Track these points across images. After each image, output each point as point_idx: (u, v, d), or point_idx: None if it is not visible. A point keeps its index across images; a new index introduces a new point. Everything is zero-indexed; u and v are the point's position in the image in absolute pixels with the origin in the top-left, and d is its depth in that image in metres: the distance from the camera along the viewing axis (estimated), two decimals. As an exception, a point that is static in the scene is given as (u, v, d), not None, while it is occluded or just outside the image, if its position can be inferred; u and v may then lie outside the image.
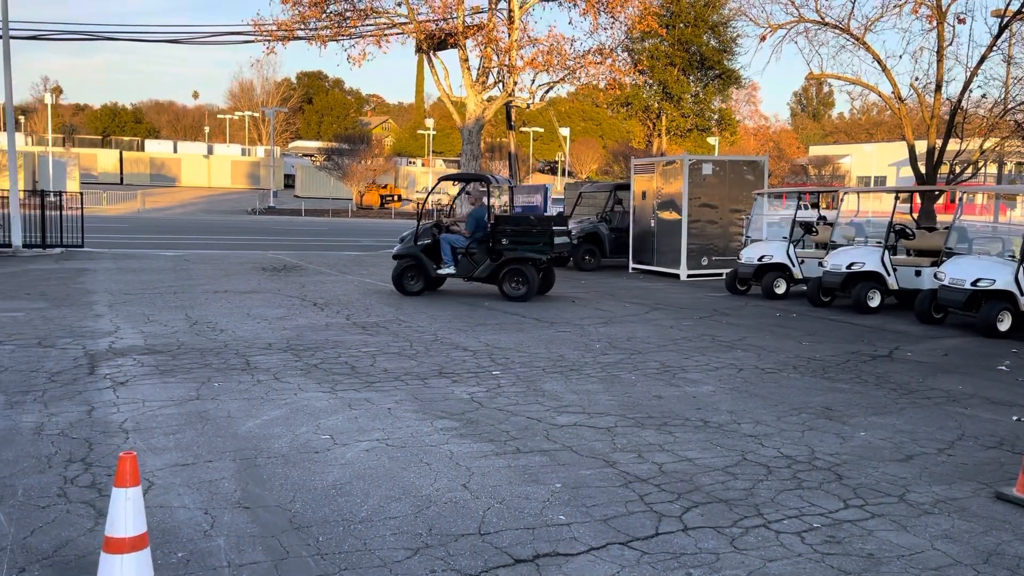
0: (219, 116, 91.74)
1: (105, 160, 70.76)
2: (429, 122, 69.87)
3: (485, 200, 13.45)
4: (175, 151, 78.23)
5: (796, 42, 69.17)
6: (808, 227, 15.02)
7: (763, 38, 19.86)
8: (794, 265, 14.25)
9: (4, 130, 30.30)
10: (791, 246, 14.35)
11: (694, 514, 4.48)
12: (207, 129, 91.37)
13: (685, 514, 4.47)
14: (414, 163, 78.88)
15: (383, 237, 29.83)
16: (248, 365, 7.83)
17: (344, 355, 8.44)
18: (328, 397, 6.74)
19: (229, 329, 9.75)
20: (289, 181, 70.44)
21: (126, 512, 2.82)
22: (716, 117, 41.05)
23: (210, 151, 79.08)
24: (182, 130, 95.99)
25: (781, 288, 14.37)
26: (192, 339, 9.06)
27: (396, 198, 57.46)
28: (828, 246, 13.91)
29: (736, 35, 37.64)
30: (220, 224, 35.39)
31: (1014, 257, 10.90)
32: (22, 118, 75.62)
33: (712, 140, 47.81)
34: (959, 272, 11.07)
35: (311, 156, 75.84)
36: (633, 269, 18.99)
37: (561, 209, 22.93)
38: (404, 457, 5.27)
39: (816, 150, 73.16)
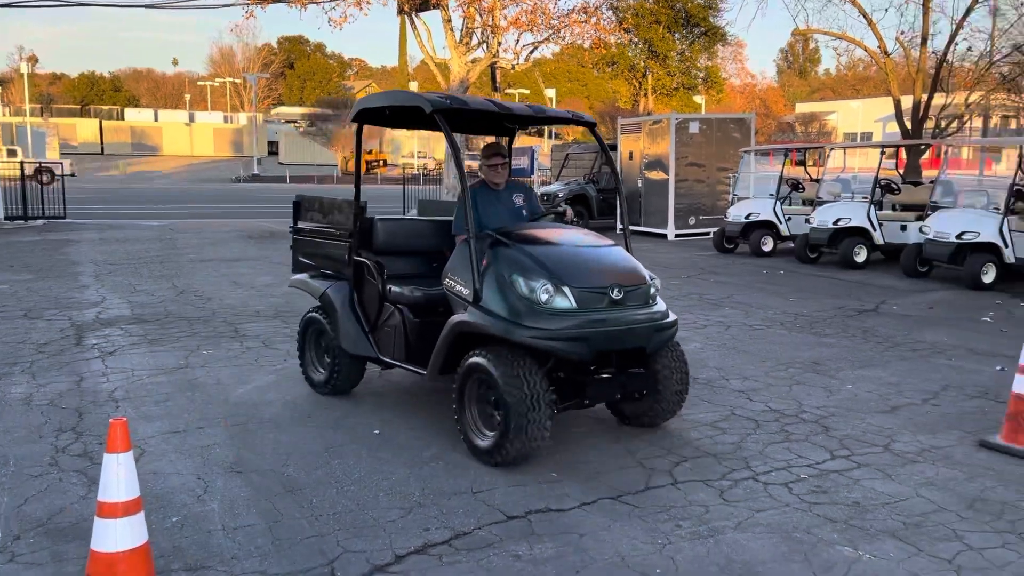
0: (199, 83, 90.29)
1: (84, 129, 69.72)
2: (413, 85, 68.93)
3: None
4: (156, 119, 77.17)
5: (782, -3, 68.36)
6: (795, 184, 15.02)
7: (748, -7, 19.61)
8: (781, 222, 14.28)
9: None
10: (778, 203, 14.36)
11: (684, 468, 4.53)
12: (188, 97, 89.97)
13: (675, 468, 4.53)
14: (399, 127, 78.06)
15: (370, 203, 29.64)
16: (237, 333, 7.81)
17: (333, 320, 8.42)
18: (318, 362, 6.73)
19: (216, 297, 9.71)
20: (273, 148, 69.65)
21: (118, 477, 2.83)
22: (702, 75, 40.76)
23: (191, 119, 78.03)
24: (162, 98, 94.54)
25: (769, 246, 14.40)
26: (179, 308, 9.02)
27: (382, 163, 57.03)
28: (815, 203, 13.93)
29: (721, -9, 37.24)
30: (204, 192, 35.08)
31: (998, 210, 10.96)
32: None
33: (698, 99, 47.49)
34: (944, 226, 11.13)
35: (294, 122, 74.90)
36: (621, 230, 18.97)
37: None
38: (397, 419, 5.29)
39: (803, 107, 72.87)
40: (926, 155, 23.73)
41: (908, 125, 21.35)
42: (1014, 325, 8.56)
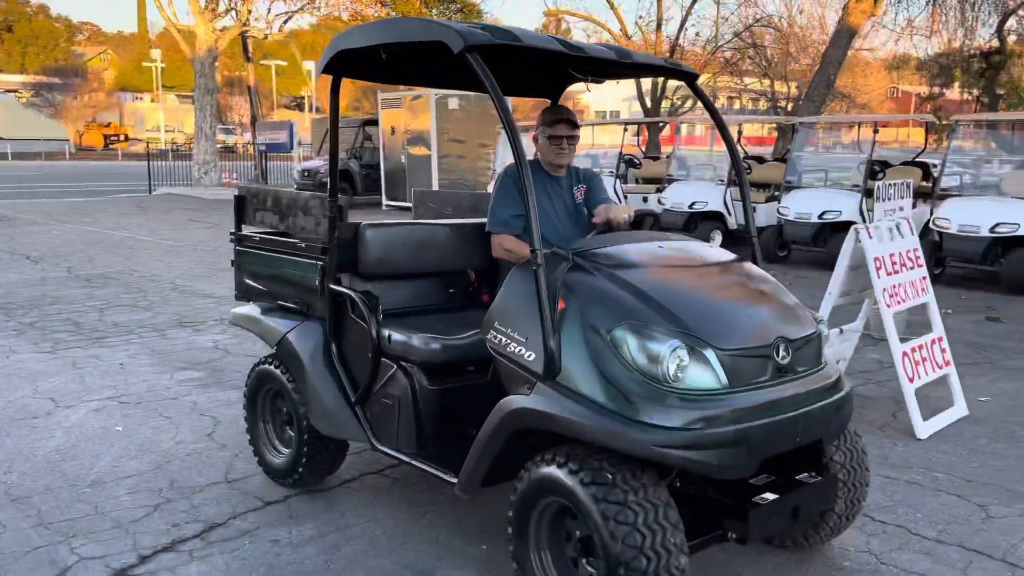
0: None
1: None
2: (155, 53, 63.63)
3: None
4: None
5: (534, -21, 70.81)
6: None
7: (501, -28, 20.18)
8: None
9: None
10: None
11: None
12: None
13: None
14: (141, 99, 72.00)
15: (110, 181, 27.13)
16: (-55, 330, 6.85)
17: (65, 311, 7.64)
18: (48, 358, 6.08)
19: (-82, 291, 8.44)
20: (-11, 121, 61.38)
21: None
22: (461, 52, 41.36)
23: None
24: None
25: (527, 218, 14.99)
26: None
27: (123, 138, 52.36)
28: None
29: (476, -32, 37.83)
30: (-99, 171, 30.22)
31: (723, 182, 12.19)
32: None
33: (459, 75, 47.99)
34: (679, 197, 12.20)
35: (15, 92, 66.54)
36: (387, 206, 18.90)
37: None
38: (140, 413, 4.92)
39: (557, 86, 76.18)
40: (665, 131, 25.88)
41: (649, 104, 23.12)
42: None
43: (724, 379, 2.57)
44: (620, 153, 14.07)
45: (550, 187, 3.62)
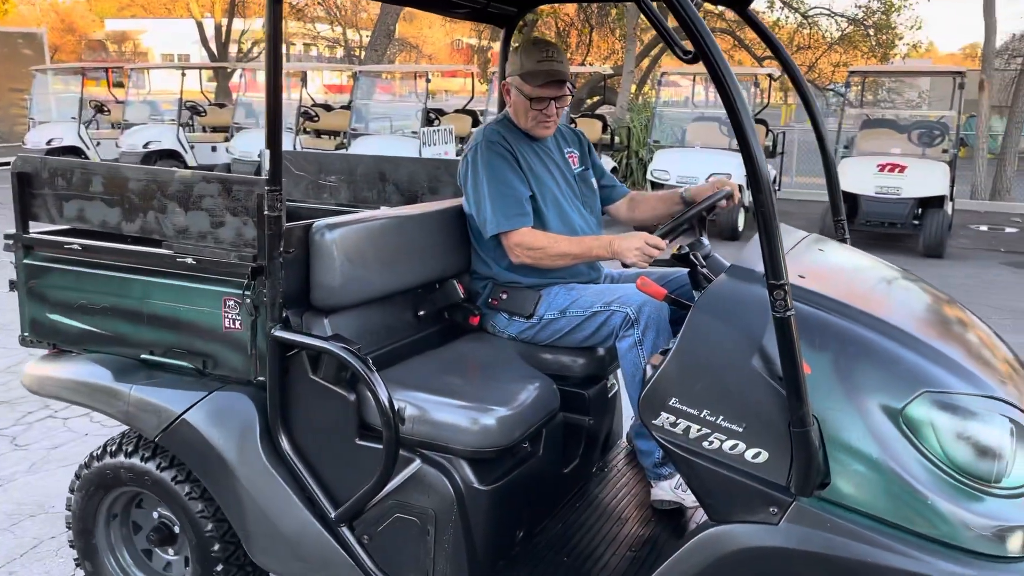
0: None
1: None
2: None
3: None
4: None
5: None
6: (100, 107, 14.25)
7: None
8: (89, 147, 13.46)
9: None
10: (82, 127, 13.47)
11: (-34, 425, 4.11)
12: None
13: (-47, 427, 4.08)
14: None
15: None
16: None
17: None
18: None
19: None
20: None
21: None
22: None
23: None
24: None
25: (79, 173, 13.49)
26: None
27: None
28: (123, 126, 13.51)
29: None
30: None
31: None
32: None
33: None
34: (245, 146, 11.84)
35: None
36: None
37: None
38: None
39: (114, 24, 68.45)
40: (237, 78, 24.86)
41: (215, 49, 22.01)
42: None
43: None
44: (180, 99, 13.25)
45: (544, 155, 2.70)
